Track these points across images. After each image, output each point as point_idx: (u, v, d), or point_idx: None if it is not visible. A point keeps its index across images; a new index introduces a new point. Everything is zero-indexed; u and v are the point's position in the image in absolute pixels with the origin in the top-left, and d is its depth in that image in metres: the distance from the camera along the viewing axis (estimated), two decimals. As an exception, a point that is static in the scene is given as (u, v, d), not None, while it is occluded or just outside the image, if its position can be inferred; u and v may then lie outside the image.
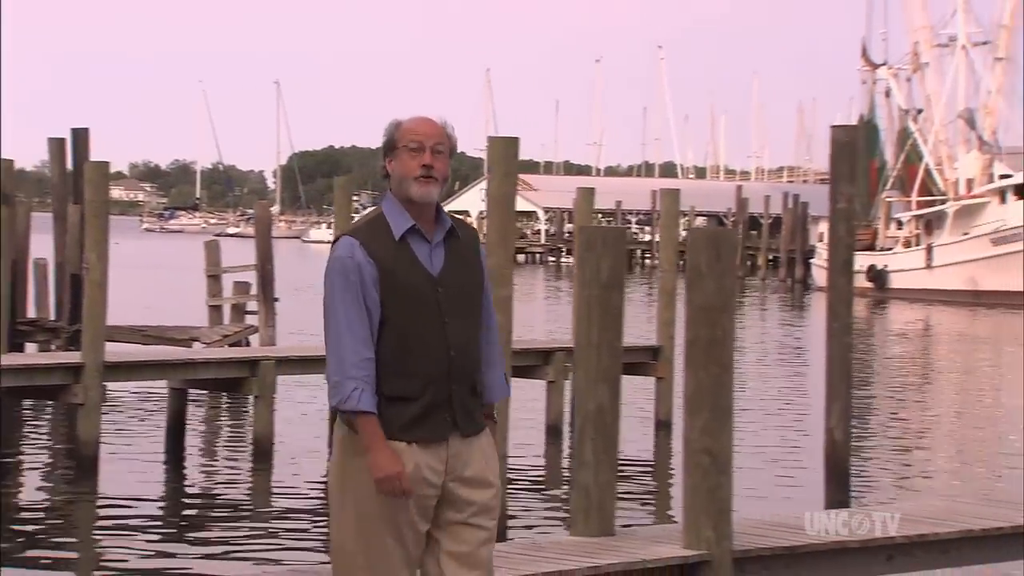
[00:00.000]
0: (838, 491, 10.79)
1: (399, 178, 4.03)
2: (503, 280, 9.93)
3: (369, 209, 4.10)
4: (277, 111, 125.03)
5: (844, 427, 11.03)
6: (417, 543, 3.98)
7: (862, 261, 48.47)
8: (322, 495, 11.44)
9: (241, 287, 19.35)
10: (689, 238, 5.98)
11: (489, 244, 10.30)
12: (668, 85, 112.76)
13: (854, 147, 11.45)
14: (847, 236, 11.42)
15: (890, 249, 48.56)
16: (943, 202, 46.73)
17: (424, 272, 4.00)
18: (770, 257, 62.19)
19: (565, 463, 12.89)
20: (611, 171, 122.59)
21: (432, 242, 4.04)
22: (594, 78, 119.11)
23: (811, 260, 52.98)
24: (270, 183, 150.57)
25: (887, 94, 50.94)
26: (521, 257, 69.87)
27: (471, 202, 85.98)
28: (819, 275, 50.53)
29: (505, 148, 9.73)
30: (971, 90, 47.19)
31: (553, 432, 14.10)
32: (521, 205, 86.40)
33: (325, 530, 10.20)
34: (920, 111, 48.85)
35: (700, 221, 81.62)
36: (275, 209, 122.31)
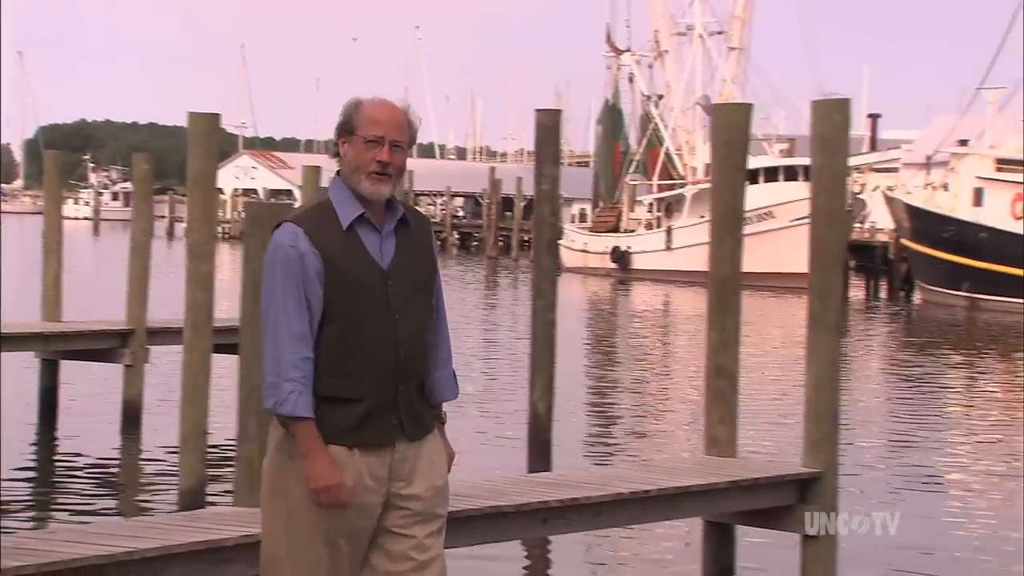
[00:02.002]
0: (540, 461, 11.23)
1: (351, 167, 3.75)
2: (205, 256, 9.98)
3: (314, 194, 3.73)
4: (20, 83, 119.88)
5: (547, 400, 11.48)
6: (354, 555, 3.75)
7: (607, 242, 50.05)
8: None
9: (-44, 264, 18.57)
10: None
11: (191, 220, 10.31)
12: (426, 65, 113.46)
13: (557, 131, 11.87)
14: (551, 216, 11.86)
15: (633, 231, 50.21)
16: (682, 186, 48.57)
17: (373, 264, 3.73)
18: (524, 239, 63.31)
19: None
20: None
21: (383, 232, 3.77)
22: (351, 56, 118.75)
23: (560, 241, 54.29)
24: (17, 157, 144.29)
25: (631, 79, 52.65)
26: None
27: (224, 180, 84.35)
28: (566, 256, 51.85)
29: (205, 124, 9.73)
30: (708, 78, 49.26)
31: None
32: (276, 183, 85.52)
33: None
34: (661, 97, 50.68)
35: (458, 202, 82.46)
36: (19, 184, 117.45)
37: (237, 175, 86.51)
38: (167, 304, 14.72)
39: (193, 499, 9.23)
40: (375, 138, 3.73)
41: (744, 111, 8.13)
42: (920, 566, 8.76)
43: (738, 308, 8.04)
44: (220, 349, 10.82)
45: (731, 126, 7.96)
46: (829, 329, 7.67)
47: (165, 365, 14.95)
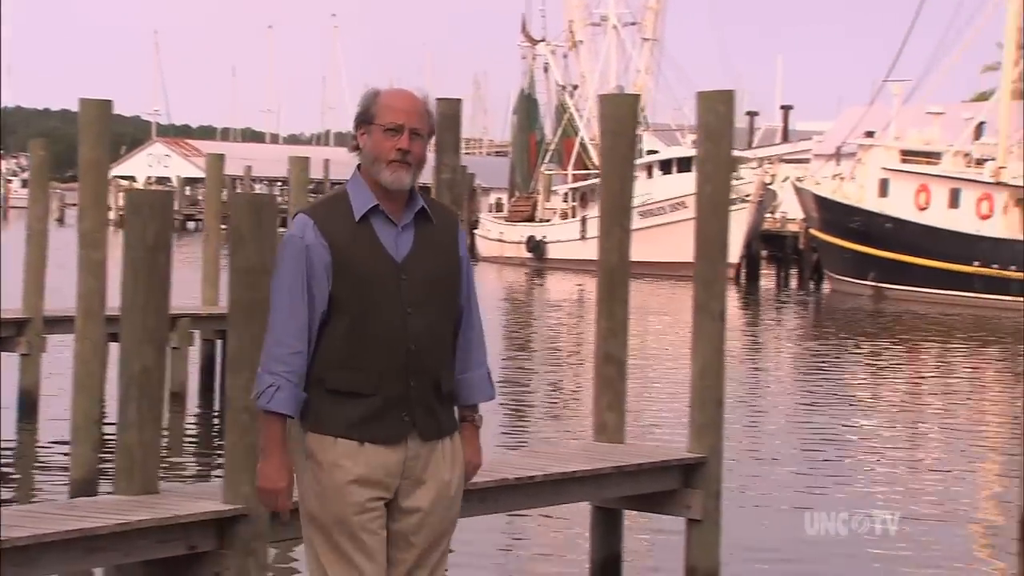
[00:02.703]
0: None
1: (371, 158, 3.68)
2: (97, 243, 9.92)
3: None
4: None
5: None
6: (377, 549, 3.65)
7: (522, 232, 50.19)
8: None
9: None
10: (231, 203, 6.16)
11: (82, 208, 10.22)
12: (343, 54, 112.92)
13: (457, 120, 11.87)
14: (451, 206, 11.90)
15: (549, 220, 50.39)
16: (597, 175, 48.77)
17: (386, 257, 3.66)
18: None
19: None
20: (294, 139, 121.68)
21: (399, 225, 3.69)
22: (267, 45, 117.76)
23: (475, 231, 54.36)
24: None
25: (546, 69, 52.84)
26: (192, 224, 68.68)
27: (136, 168, 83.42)
28: (483, 246, 51.94)
29: (96, 111, 9.64)
30: (622, 68, 49.62)
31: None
32: (190, 171, 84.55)
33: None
34: (576, 87, 50.94)
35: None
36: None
37: (150, 163, 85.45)
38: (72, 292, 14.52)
39: (85, 488, 9.16)
40: (394, 126, 3.67)
41: (630, 102, 8.24)
42: (804, 554, 8.91)
43: (626, 297, 8.15)
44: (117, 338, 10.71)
45: (618, 117, 8.05)
46: (714, 317, 7.80)
47: (65, 353, 14.78)
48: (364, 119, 3.72)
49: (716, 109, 7.69)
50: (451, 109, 12.12)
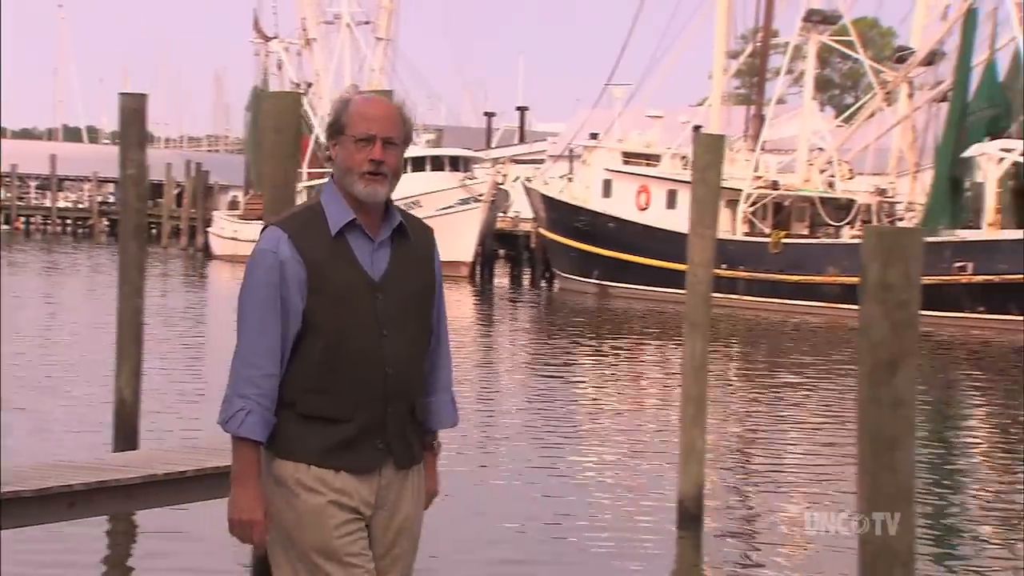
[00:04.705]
0: (126, 443, 11.12)
1: (344, 169, 3.50)
2: None
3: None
4: None
5: (134, 385, 11.37)
6: (368, 570, 3.49)
7: (257, 230, 49.21)
8: None
9: None
10: None
11: None
12: (74, 46, 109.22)
13: (142, 114, 11.72)
14: (137, 201, 11.72)
15: (288, 217, 49.92)
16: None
17: (362, 275, 3.48)
18: (177, 226, 61.94)
19: None
20: (26, 133, 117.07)
21: (376, 241, 3.52)
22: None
23: (208, 229, 53.38)
24: None
25: (279, 67, 52.44)
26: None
27: None
28: (216, 244, 51.07)
29: None
30: (356, 68, 49.71)
31: None
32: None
33: None
34: (310, 85, 50.71)
35: (110, 187, 79.69)
36: None
37: None
38: None
39: None
40: (366, 136, 3.50)
41: (292, 99, 8.33)
42: (510, 552, 9.13)
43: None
44: None
45: (279, 114, 8.13)
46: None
47: None
48: (335, 130, 3.56)
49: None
50: (136, 103, 11.94)
